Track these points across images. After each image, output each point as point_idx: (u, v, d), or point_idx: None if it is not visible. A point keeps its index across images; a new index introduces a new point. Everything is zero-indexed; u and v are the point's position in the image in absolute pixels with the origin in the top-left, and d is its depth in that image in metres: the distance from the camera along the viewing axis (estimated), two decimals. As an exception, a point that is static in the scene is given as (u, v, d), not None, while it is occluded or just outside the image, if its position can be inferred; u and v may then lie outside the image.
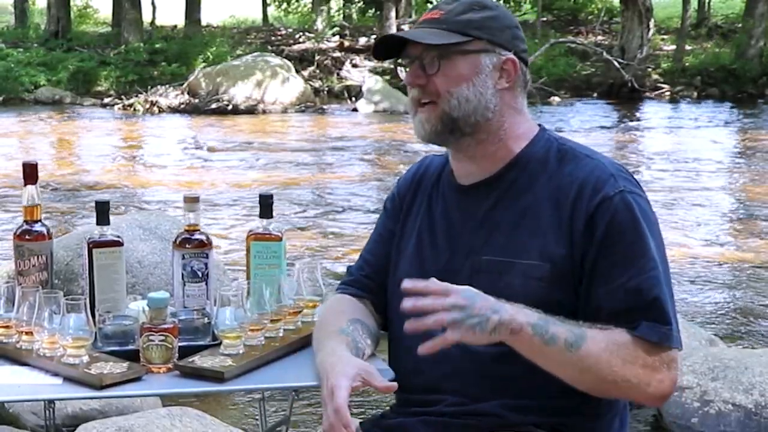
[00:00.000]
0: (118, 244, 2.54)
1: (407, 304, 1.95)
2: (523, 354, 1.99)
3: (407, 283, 1.98)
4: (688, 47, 25.81)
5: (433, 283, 1.97)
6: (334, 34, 27.39)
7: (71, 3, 30.21)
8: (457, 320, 1.92)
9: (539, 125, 2.24)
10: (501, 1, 32.41)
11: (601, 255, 2.04)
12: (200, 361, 2.24)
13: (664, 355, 2.01)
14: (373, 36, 27.30)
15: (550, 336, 1.96)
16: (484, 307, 1.94)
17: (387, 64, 24.20)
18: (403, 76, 2.18)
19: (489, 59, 2.12)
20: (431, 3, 33.97)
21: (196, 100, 20.23)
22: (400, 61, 2.21)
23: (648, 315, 2.01)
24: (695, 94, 23.23)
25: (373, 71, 23.64)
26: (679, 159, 13.89)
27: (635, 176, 2.15)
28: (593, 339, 1.97)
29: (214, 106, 19.95)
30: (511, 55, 2.14)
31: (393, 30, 25.36)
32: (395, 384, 2.03)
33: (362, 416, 4.42)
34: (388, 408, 2.32)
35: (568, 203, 2.08)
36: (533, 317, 1.97)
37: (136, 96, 21.04)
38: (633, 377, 1.99)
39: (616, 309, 2.02)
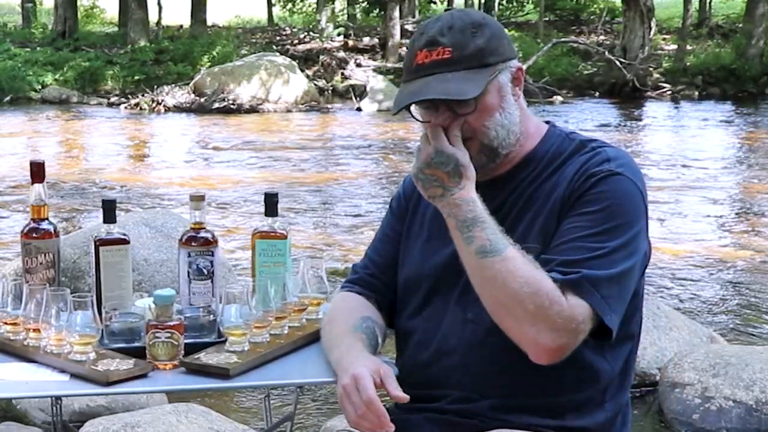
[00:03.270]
0: (124, 242, 2.56)
1: None
2: None
3: None
4: (689, 47, 25.81)
5: None
6: (338, 34, 27.40)
7: (78, 3, 30.25)
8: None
9: (548, 122, 2.26)
10: (498, 3, 32.26)
11: (566, 217, 2.07)
12: (206, 358, 2.26)
13: (563, 307, 1.97)
14: (377, 36, 27.29)
15: (469, 235, 2.03)
16: (449, 184, 2.05)
17: (390, 64, 24.22)
18: (418, 117, 2.11)
19: (505, 77, 2.12)
20: (434, 2, 33.98)
21: (202, 100, 20.24)
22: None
23: (567, 267, 2.00)
24: (696, 93, 23.24)
25: (377, 71, 23.65)
26: (681, 157, 13.88)
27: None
28: (506, 258, 1.99)
29: (219, 105, 19.97)
30: (518, 64, 2.15)
31: (397, 29, 25.43)
32: (407, 397, 2.03)
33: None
34: (392, 404, 2.34)
35: (563, 186, 2.10)
36: (473, 213, 2.04)
37: (142, 95, 21.08)
38: (519, 310, 1.97)
39: (557, 259, 2.02)
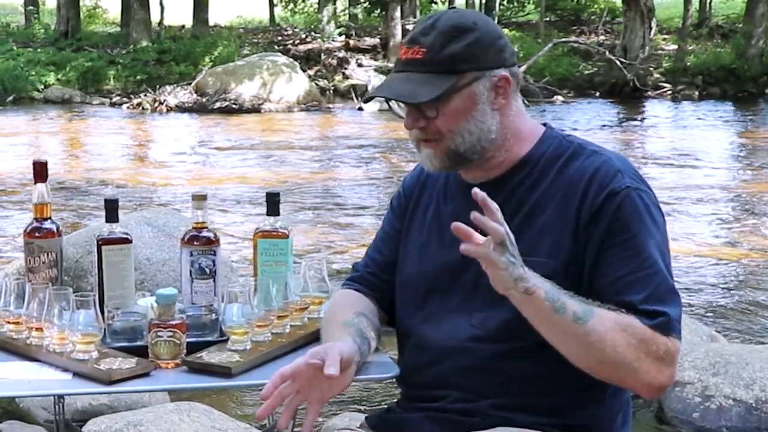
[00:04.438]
0: (126, 241, 2.57)
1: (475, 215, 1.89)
2: (530, 319, 1.99)
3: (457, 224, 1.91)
4: (689, 47, 25.84)
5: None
6: (340, 34, 27.41)
7: (81, 3, 30.27)
8: (495, 254, 1.90)
9: (544, 124, 2.24)
10: (499, 4, 32.12)
11: (603, 248, 2.04)
12: (208, 356, 2.26)
13: (663, 347, 1.99)
14: (378, 36, 27.31)
15: (560, 304, 1.95)
16: (519, 258, 1.94)
17: (391, 64, 24.20)
18: (398, 111, 2.21)
19: (482, 85, 2.10)
20: (435, 2, 33.95)
21: (204, 99, 20.26)
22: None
23: (647, 306, 2.01)
24: (696, 93, 23.24)
25: (378, 71, 23.66)
26: (681, 157, 13.88)
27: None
28: (600, 316, 1.97)
29: (221, 105, 19.98)
30: (502, 72, 2.11)
31: (398, 29, 25.43)
32: (335, 374, 2.00)
33: (367, 410, 4.47)
34: (394, 402, 2.34)
35: (575, 199, 2.08)
36: (548, 284, 1.97)
37: (144, 95, 21.10)
38: (635, 361, 1.97)
39: (614, 301, 2.01)
